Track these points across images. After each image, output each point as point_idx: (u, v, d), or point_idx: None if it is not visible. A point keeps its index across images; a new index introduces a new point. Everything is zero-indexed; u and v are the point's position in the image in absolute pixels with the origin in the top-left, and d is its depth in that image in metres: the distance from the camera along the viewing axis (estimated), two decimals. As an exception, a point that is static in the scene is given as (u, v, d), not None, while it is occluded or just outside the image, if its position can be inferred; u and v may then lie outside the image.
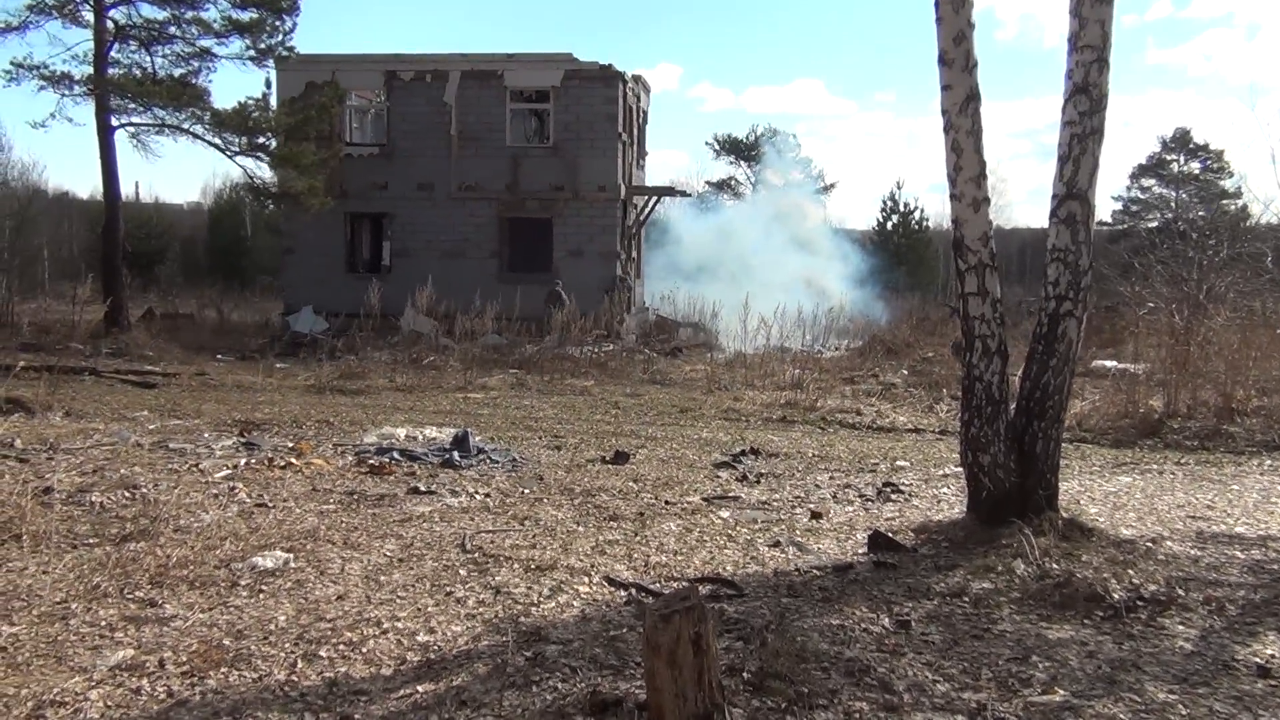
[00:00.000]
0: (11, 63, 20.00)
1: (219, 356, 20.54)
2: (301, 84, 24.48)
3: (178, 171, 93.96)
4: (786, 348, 27.89)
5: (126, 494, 7.56)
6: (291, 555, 6.05)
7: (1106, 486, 9.22)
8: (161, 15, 21.62)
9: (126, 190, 31.50)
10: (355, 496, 8.07)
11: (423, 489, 8.45)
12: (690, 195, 36.42)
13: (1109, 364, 21.69)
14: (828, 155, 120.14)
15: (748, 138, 68.50)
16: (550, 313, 22.31)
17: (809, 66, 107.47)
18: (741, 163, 67.36)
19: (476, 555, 6.27)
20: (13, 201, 27.28)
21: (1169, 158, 64.88)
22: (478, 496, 8.29)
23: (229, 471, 8.91)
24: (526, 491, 8.67)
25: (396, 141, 26.15)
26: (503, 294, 22.61)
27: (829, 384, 18.66)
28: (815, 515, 7.85)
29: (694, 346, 25.55)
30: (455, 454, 10.23)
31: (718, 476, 9.83)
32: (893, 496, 8.74)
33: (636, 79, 27.56)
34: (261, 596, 5.36)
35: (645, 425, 13.70)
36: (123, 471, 8.64)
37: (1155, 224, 65.12)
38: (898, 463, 10.99)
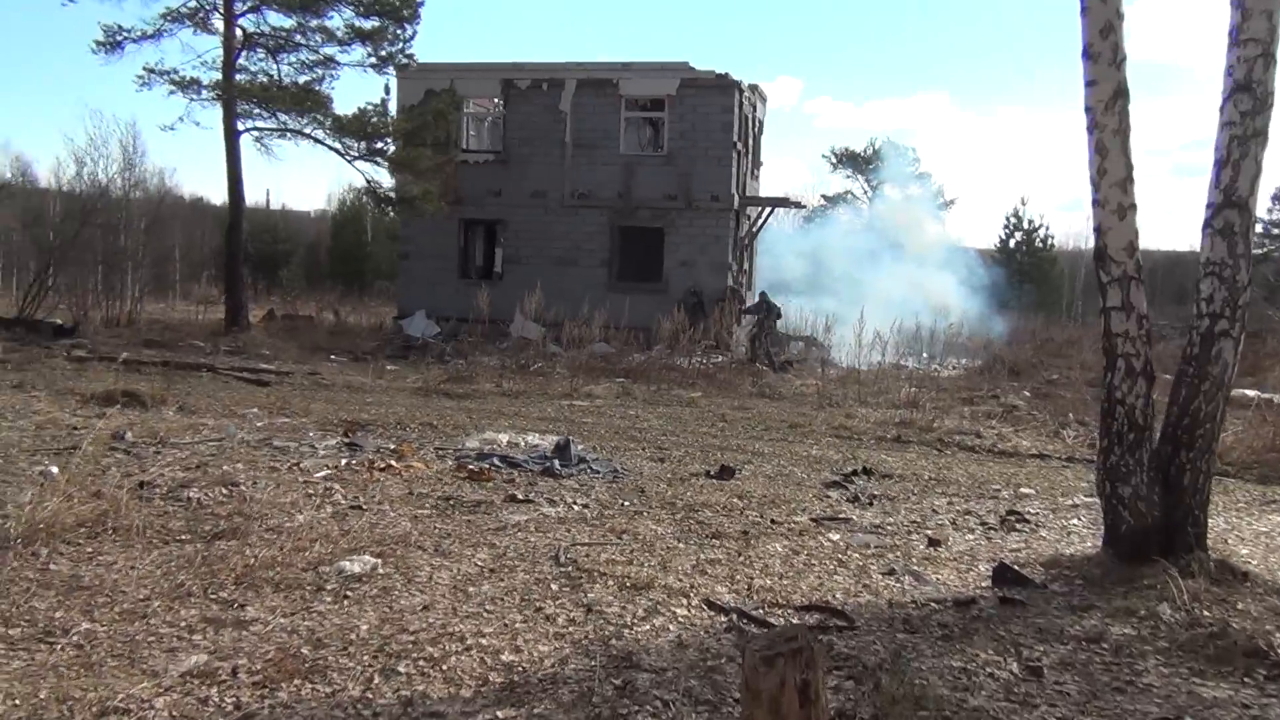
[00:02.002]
0: (144, 68, 20.80)
1: (332, 357, 20.82)
2: (420, 92, 24.81)
3: (305, 181, 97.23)
4: (902, 365, 27.21)
5: (224, 491, 7.49)
6: (380, 561, 5.84)
7: (1257, 526, 8.45)
8: (288, 23, 22.15)
9: (256, 198, 32.28)
10: (451, 502, 7.87)
11: (520, 497, 8.20)
12: (804, 207, 35.80)
13: (1251, 393, 20.37)
14: (948, 170, 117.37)
15: (865, 151, 67.50)
16: (693, 318, 21.86)
17: (932, 79, 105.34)
18: (858, 176, 66.34)
19: (570, 569, 5.96)
20: (145, 203, 28.21)
21: (1315, 179, 61.56)
22: (575, 507, 8.00)
23: (328, 472, 8.82)
24: (626, 504, 8.35)
25: (511, 149, 26.28)
26: (611, 303, 22.44)
27: (946, 404, 17.90)
28: (933, 543, 7.33)
29: (806, 361, 24.97)
30: (556, 462, 9.98)
31: (827, 496, 9.35)
32: (1018, 526, 8.15)
33: (753, 88, 27.16)
34: (346, 603, 5.14)
35: (752, 440, 13.26)
36: (225, 468, 8.62)
37: (1299, 247, 62.11)
38: (1021, 490, 10.33)
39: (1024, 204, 43.87)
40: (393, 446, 10.52)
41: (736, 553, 6.71)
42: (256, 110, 21.55)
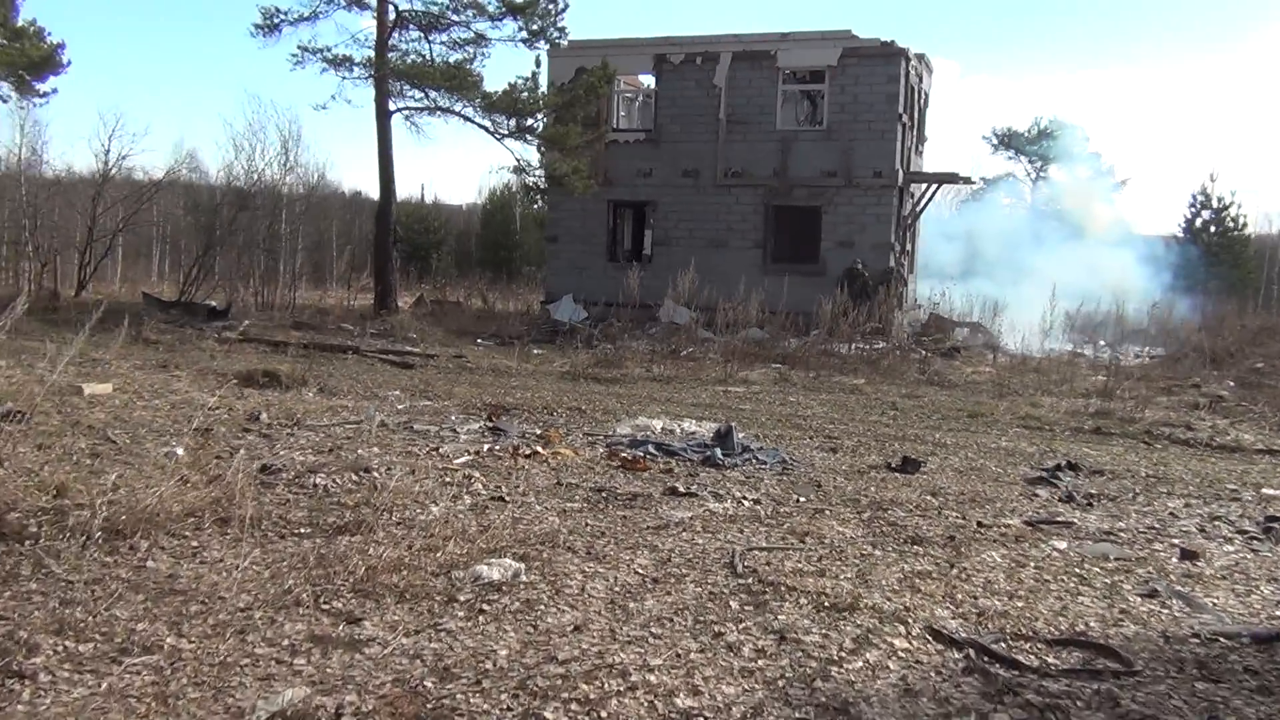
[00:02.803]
0: (299, 46, 20.67)
1: (479, 341, 20.31)
2: (571, 70, 24.07)
3: (459, 176, 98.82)
4: (1079, 353, 25.12)
5: (354, 478, 6.73)
6: (524, 565, 4.91)
7: None
8: (440, 1, 21.73)
9: (411, 191, 32.18)
10: (604, 494, 6.92)
11: (681, 490, 7.19)
12: (974, 183, 33.68)
13: None
14: (1120, 151, 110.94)
15: (1029, 131, 64.08)
16: (855, 300, 20.53)
17: (1097, 55, 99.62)
18: (1020, 157, 63.08)
19: (750, 581, 4.91)
20: (302, 190, 28.50)
21: None
22: (746, 503, 6.94)
23: (469, 458, 8.00)
24: (803, 500, 7.24)
25: (663, 127, 25.32)
26: (765, 286, 21.19)
27: (1143, 393, 16.08)
28: (1188, 555, 5.98)
29: (973, 347, 23.22)
30: (717, 451, 8.93)
31: (1035, 495, 8.02)
32: (1287, 536, 6.68)
33: (919, 58, 25.45)
34: (482, 619, 4.22)
35: (930, 430, 11.93)
36: (360, 452, 7.90)
37: None
38: (1265, 491, 8.76)
39: (1213, 180, 40.36)
40: (539, 432, 9.67)
41: (947, 563, 5.53)
42: (408, 89, 21.22)
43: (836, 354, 19.70)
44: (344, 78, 20.82)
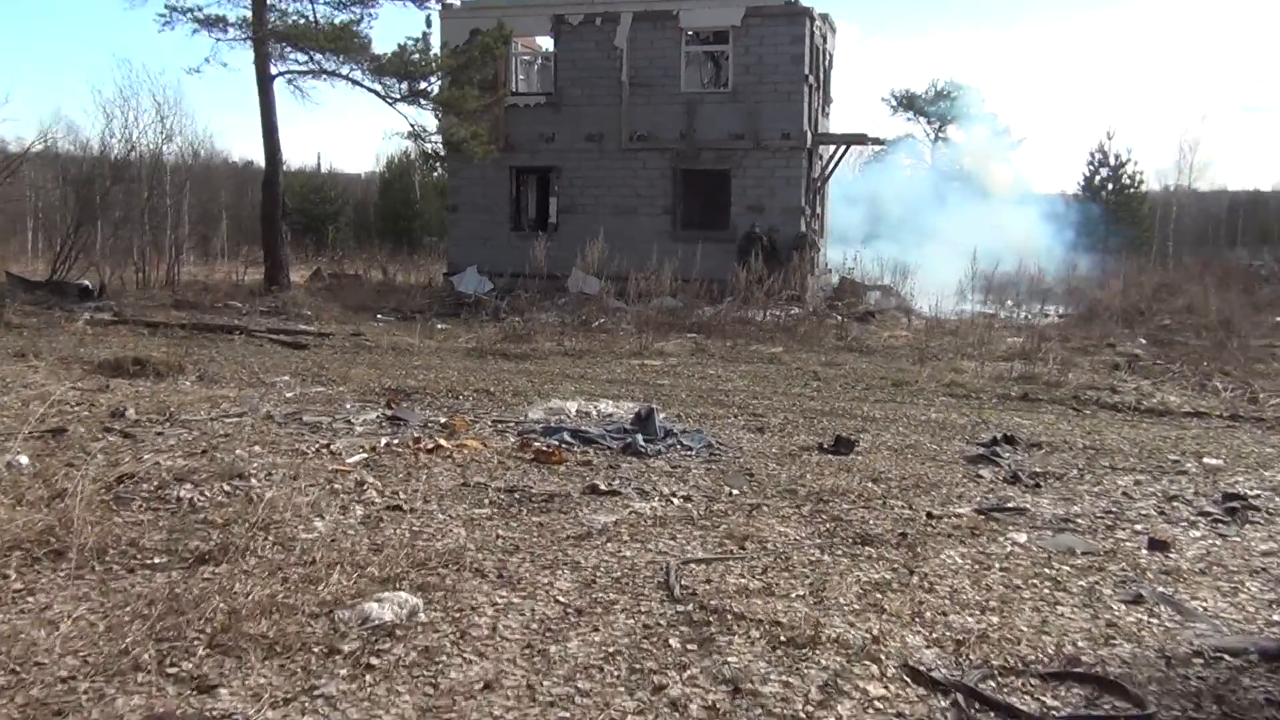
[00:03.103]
0: (165, 6, 19.10)
1: (379, 317, 19.25)
2: (466, 32, 22.84)
3: (355, 144, 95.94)
4: (989, 314, 25.07)
5: (228, 487, 5.85)
6: (422, 600, 4.14)
7: None
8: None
9: (305, 160, 30.64)
10: (516, 496, 6.17)
11: (603, 487, 6.48)
12: (883, 143, 33.48)
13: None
14: (1016, 111, 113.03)
15: (927, 92, 64.47)
16: (749, 258, 20.01)
17: (989, 13, 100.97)
18: (919, 119, 63.44)
19: (691, 608, 4.22)
20: (183, 160, 26.82)
21: None
22: (675, 500, 6.26)
23: (364, 455, 7.16)
24: (736, 493, 6.60)
25: (564, 90, 24.34)
26: (677, 252, 20.53)
27: (1062, 355, 15.89)
28: (1157, 545, 5.49)
29: (886, 311, 22.93)
30: (639, 437, 8.23)
31: (979, 476, 7.52)
32: (1251, 517, 6.26)
33: (823, 18, 24.90)
34: (369, 679, 3.45)
35: (856, 402, 11.42)
36: (238, 453, 7.00)
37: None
38: (1207, 460, 8.41)
39: (1109, 138, 40.80)
40: (443, 420, 8.85)
41: (905, 569, 4.93)
42: (290, 51, 19.87)
43: (752, 322, 19.16)
44: (218, 39, 19.37)
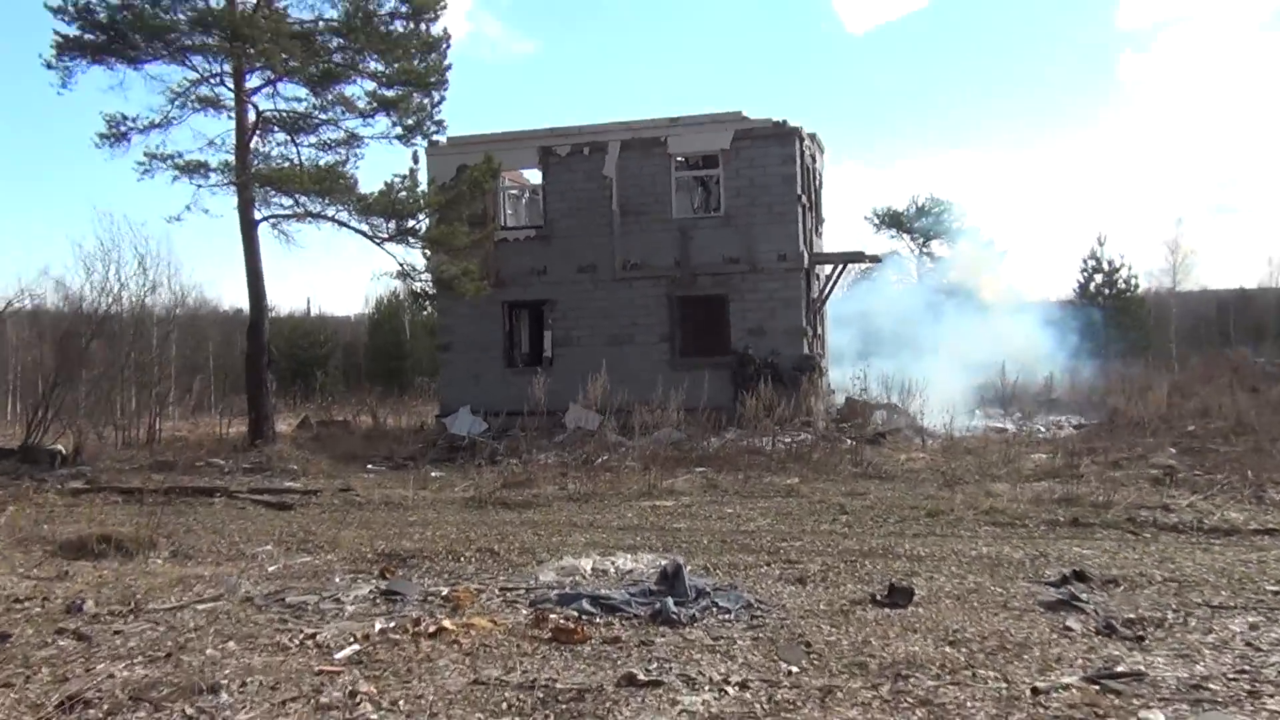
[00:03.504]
0: (145, 153, 18.63)
1: (369, 467, 18.27)
2: (452, 168, 22.55)
3: (345, 287, 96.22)
4: (1001, 428, 24.22)
5: (192, 710, 4.83)
6: None
7: None
8: (304, 95, 19.99)
9: (294, 305, 30.18)
10: (539, 695, 5.15)
11: (640, 676, 5.45)
12: (880, 260, 33.11)
13: None
14: (995, 225, 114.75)
15: (909, 209, 65.14)
16: (744, 380, 19.27)
17: (957, 138, 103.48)
18: (903, 236, 63.84)
19: None
20: (167, 312, 26.18)
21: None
22: (730, 690, 5.24)
23: (355, 647, 6.14)
24: (796, 671, 5.59)
25: (554, 222, 23.95)
26: (676, 381, 19.72)
27: (1099, 472, 15.00)
28: (1330, 723, 4.49)
29: (897, 431, 22.03)
30: (668, 602, 7.21)
31: (1067, 629, 6.51)
32: None
33: (811, 137, 24.74)
34: None
35: (894, 537, 10.44)
36: (209, 653, 5.97)
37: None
38: (1313, 592, 7.43)
39: (1101, 244, 40.68)
40: (445, 591, 7.83)
41: (1039, 780, 3.91)
42: (274, 195, 19.39)
43: (761, 451, 18.25)
44: (199, 185, 18.84)
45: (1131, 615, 6.78)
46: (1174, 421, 21.42)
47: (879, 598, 7.54)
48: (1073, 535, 10.42)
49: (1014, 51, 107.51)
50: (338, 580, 8.41)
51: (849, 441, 19.69)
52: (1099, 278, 39.58)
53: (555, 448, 19.84)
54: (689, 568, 8.73)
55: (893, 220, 65.05)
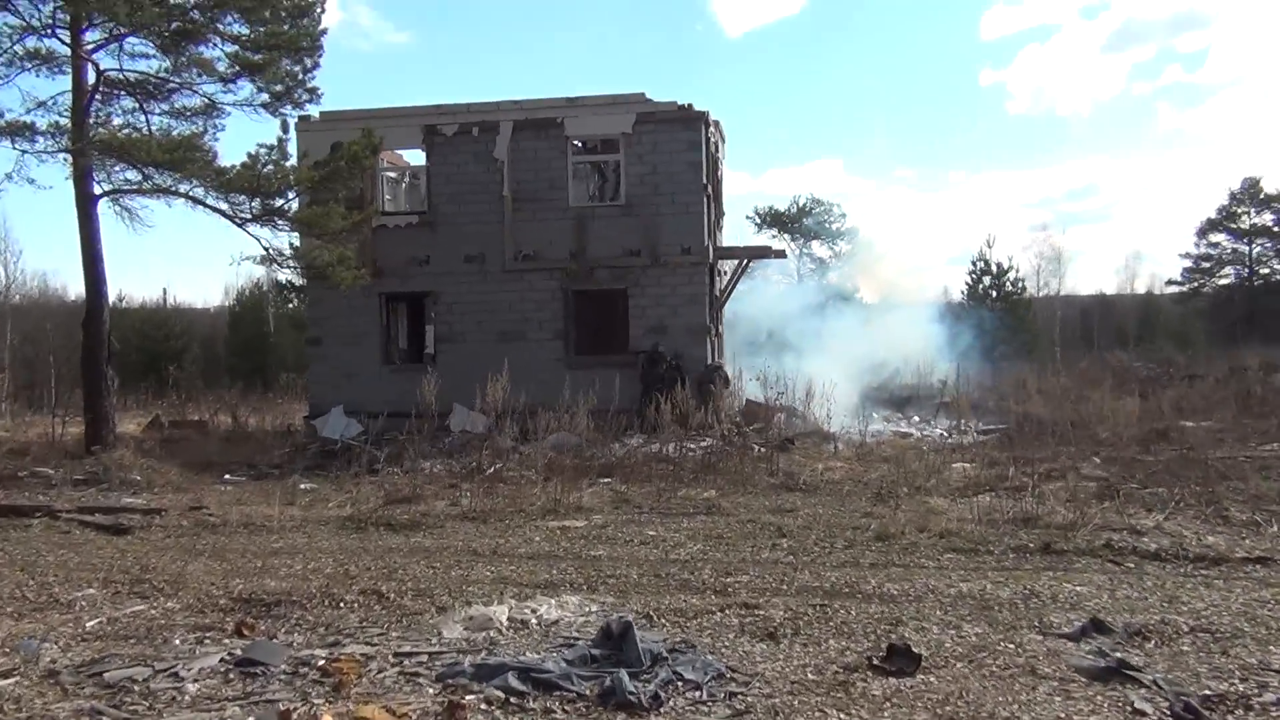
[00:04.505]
0: (-41, 110, 15.93)
1: (227, 477, 16.05)
2: (326, 146, 20.24)
3: (209, 274, 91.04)
4: (906, 433, 23.34)
5: None
6: None
7: None
8: (152, 53, 17.44)
9: (149, 294, 27.50)
10: None
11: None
12: (785, 256, 32.02)
13: None
14: (873, 228, 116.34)
15: (790, 210, 64.98)
16: (651, 380, 17.75)
17: (827, 147, 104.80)
18: (784, 236, 63.54)
19: None
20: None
21: (1239, 210, 60.83)
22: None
23: (196, 769, 4.30)
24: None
25: (439, 207, 21.94)
26: (571, 382, 18.04)
27: (1029, 483, 13.94)
28: None
29: (805, 436, 20.78)
30: (622, 674, 5.56)
31: (1138, 714, 5.12)
32: None
33: (716, 124, 23.35)
34: None
35: (850, 569, 9.01)
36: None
37: (1229, 279, 60.92)
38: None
39: (990, 246, 40.56)
40: (322, 660, 6.00)
41: None
42: (115, 167, 16.89)
43: (669, 459, 16.75)
44: (23, 151, 16.21)
45: (1202, 690, 5.45)
46: (1082, 427, 20.73)
47: (876, 662, 6.06)
48: (1048, 565, 9.17)
49: (883, 59, 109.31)
50: (178, 642, 6.48)
51: (758, 449, 18.32)
52: (987, 279, 39.49)
53: (440, 454, 17.95)
54: (628, 616, 7.11)
55: (774, 220, 64.80)
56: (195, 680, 5.65)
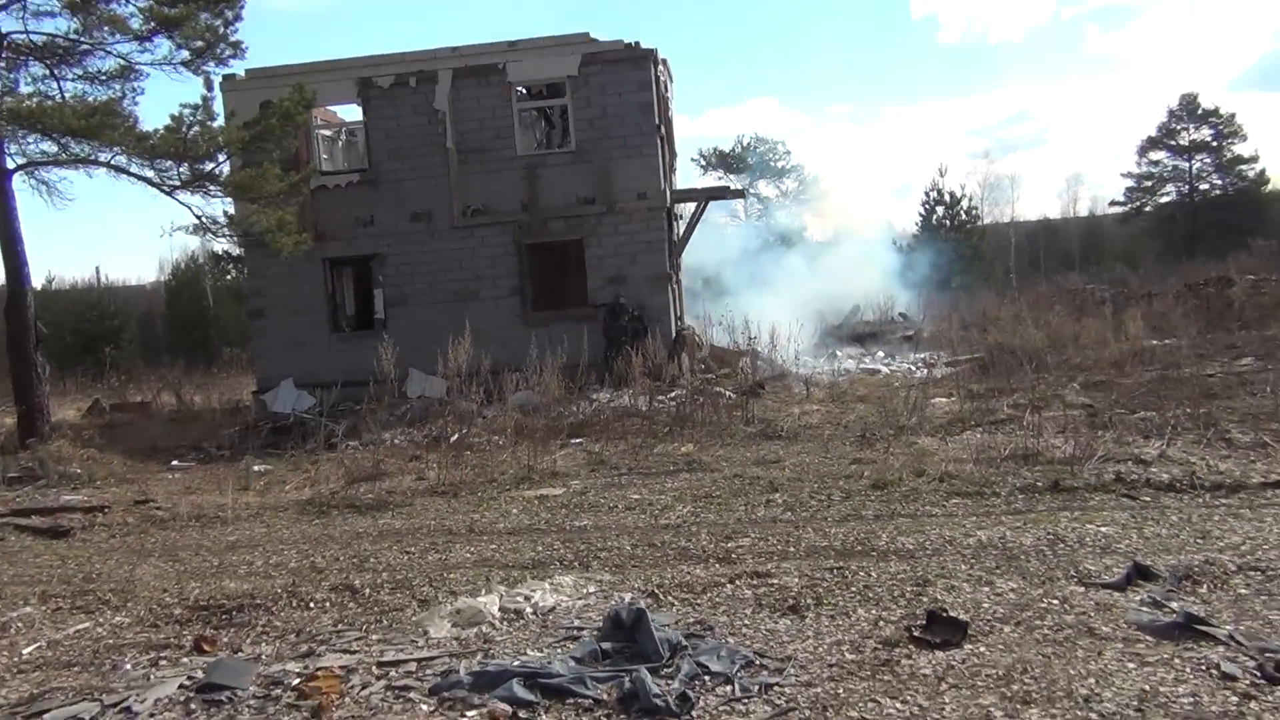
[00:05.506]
0: None
1: (175, 462, 15.13)
2: (254, 105, 19.00)
3: (143, 249, 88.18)
4: (874, 369, 22.90)
5: None
6: None
7: None
8: (58, 11, 16.10)
9: (84, 274, 26.17)
10: None
11: None
12: (744, 196, 31.24)
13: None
14: (816, 164, 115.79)
15: (734, 149, 64.21)
16: (618, 335, 17.06)
17: (762, 85, 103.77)
18: (730, 176, 62.82)
19: None
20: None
21: (1178, 127, 60.93)
22: None
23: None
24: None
25: (380, 164, 20.84)
26: (530, 339, 17.19)
27: (1016, 415, 13.51)
28: None
29: (774, 380, 20.21)
30: (642, 673, 4.91)
31: (1226, 678, 4.57)
32: None
33: (664, 62, 22.39)
34: None
35: (855, 522, 8.45)
36: None
37: (1169, 198, 61.28)
38: None
39: (942, 175, 40.27)
40: (297, 678, 5.27)
41: None
42: (27, 138, 15.67)
43: (639, 413, 16.12)
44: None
45: (1256, 643, 4.91)
46: (1053, 352, 20.38)
47: (917, 633, 5.47)
48: (1063, 504, 8.66)
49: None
50: (129, 667, 5.71)
51: (729, 395, 17.72)
52: (940, 210, 39.08)
53: (400, 423, 17.15)
54: (628, 597, 6.48)
55: (720, 161, 64.00)
56: (152, 715, 4.92)
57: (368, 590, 7.07)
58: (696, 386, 18.05)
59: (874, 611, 5.96)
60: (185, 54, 16.18)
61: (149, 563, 8.51)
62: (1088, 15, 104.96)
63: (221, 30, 16.21)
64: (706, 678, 4.96)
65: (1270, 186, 58.31)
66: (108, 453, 15.22)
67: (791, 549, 7.66)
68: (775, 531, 8.29)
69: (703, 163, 63.72)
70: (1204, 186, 60.38)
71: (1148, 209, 61.60)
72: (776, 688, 4.84)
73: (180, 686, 5.24)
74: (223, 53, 16.42)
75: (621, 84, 20.28)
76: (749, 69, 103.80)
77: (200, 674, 5.37)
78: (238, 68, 18.99)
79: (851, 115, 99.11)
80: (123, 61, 17.00)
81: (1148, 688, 4.48)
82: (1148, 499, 8.69)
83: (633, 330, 19.27)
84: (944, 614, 5.58)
